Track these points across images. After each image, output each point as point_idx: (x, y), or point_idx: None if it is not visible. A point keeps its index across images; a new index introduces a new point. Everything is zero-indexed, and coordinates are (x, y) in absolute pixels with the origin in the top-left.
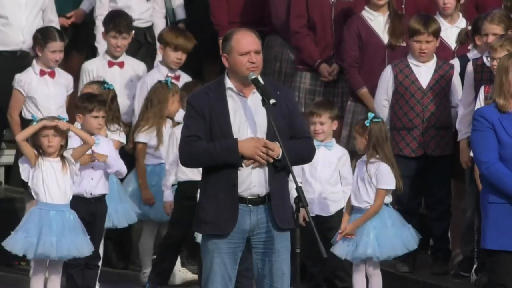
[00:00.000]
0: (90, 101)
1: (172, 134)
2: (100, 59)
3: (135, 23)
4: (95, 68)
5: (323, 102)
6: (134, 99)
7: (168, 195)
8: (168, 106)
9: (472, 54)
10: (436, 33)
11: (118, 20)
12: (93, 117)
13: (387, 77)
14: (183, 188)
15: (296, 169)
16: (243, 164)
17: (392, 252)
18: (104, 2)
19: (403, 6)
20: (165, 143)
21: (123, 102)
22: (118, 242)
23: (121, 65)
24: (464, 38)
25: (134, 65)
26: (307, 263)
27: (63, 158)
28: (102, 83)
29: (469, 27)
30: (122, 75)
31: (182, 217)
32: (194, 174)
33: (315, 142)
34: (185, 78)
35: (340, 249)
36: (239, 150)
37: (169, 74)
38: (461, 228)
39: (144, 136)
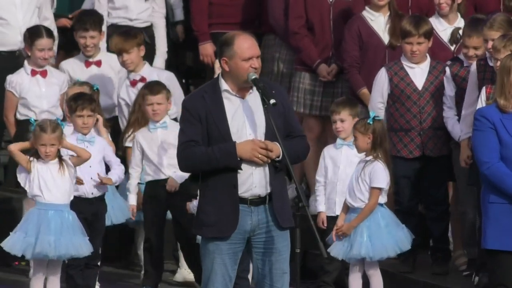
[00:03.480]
0: (75, 101)
1: (134, 138)
2: (77, 58)
3: (133, 23)
4: (70, 68)
5: (343, 100)
6: (113, 96)
7: (132, 199)
8: None
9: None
10: (427, 34)
11: (84, 18)
12: (77, 116)
13: (381, 80)
14: (150, 188)
15: (320, 168)
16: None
17: (384, 253)
18: (102, 2)
19: (409, 6)
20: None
21: (102, 100)
22: (117, 242)
23: (98, 64)
24: (457, 38)
25: (112, 62)
26: (324, 260)
27: (61, 159)
28: (90, 84)
29: (460, 30)
30: (101, 74)
31: (154, 217)
32: (157, 174)
33: (339, 141)
34: (154, 74)
35: (336, 250)
36: (238, 153)
37: (135, 79)
38: (463, 230)
39: (130, 140)
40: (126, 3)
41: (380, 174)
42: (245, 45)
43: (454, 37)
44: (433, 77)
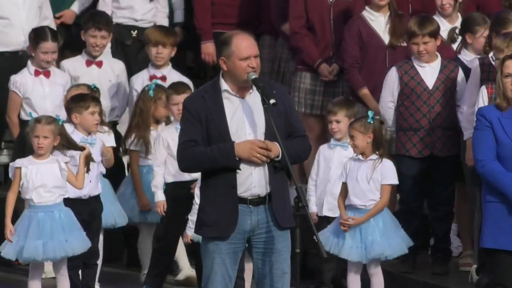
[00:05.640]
0: (85, 99)
1: (159, 136)
2: (78, 58)
3: (137, 24)
4: (71, 67)
5: (340, 101)
6: (112, 99)
7: (160, 195)
8: (152, 113)
9: (464, 54)
10: (433, 33)
11: (97, 18)
12: (91, 113)
13: (392, 78)
14: (172, 189)
15: (314, 166)
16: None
17: (399, 250)
18: (107, 2)
19: (409, 2)
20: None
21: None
22: (118, 242)
23: (99, 64)
24: (454, 37)
25: (113, 65)
26: (321, 260)
27: (53, 158)
28: (88, 85)
29: (457, 28)
30: (100, 75)
31: (172, 219)
32: (181, 175)
33: (332, 142)
34: (175, 77)
35: (350, 253)
36: (236, 153)
37: (156, 75)
38: (472, 230)
39: (135, 144)
40: (131, 3)
41: (391, 171)
42: (243, 45)
43: (451, 37)
44: (444, 76)
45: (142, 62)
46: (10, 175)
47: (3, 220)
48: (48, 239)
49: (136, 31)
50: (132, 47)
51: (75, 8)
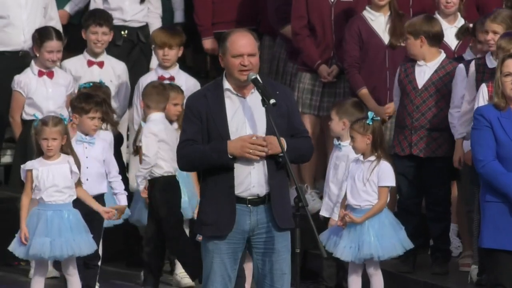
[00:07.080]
0: (87, 102)
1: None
2: (79, 58)
3: (128, 24)
4: (73, 67)
5: (340, 100)
6: (112, 99)
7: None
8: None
9: (468, 55)
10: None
11: (98, 14)
12: (90, 118)
13: (396, 76)
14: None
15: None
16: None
17: (393, 251)
18: (98, 3)
19: (410, 5)
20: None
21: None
22: (117, 241)
23: (100, 65)
24: (462, 34)
25: (114, 65)
26: (320, 258)
27: (64, 159)
28: (98, 83)
29: (470, 25)
30: (101, 75)
31: (149, 217)
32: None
33: (335, 142)
34: (183, 78)
35: (343, 253)
36: (229, 150)
37: (164, 75)
38: (470, 230)
39: None
40: (121, 4)
41: (388, 173)
42: (237, 42)
43: (461, 31)
44: (436, 77)
45: (133, 62)
46: (22, 177)
47: (4, 218)
48: (56, 237)
49: (126, 31)
50: (123, 48)
51: (68, 8)
